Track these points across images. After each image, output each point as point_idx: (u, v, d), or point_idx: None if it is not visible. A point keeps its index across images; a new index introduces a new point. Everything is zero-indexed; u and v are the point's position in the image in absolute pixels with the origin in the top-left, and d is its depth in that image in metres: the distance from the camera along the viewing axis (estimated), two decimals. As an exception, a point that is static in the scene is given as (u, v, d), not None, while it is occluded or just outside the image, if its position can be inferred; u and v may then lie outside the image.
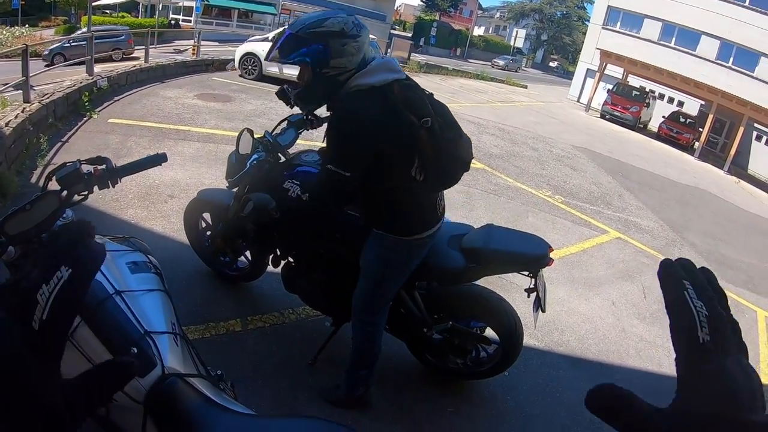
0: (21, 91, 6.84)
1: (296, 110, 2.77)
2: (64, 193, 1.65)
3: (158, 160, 1.94)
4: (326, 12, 2.08)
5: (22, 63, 6.89)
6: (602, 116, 25.32)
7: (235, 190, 2.95)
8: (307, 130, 3.16)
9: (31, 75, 6.86)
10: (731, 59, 27.23)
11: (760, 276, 8.08)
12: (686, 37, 28.42)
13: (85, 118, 7.31)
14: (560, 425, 3.17)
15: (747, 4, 26.68)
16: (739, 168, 25.18)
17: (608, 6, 31.30)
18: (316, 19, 2.01)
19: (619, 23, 31.07)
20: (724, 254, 8.52)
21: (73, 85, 8.01)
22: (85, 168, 1.77)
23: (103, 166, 1.82)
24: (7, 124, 5.50)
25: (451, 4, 61.24)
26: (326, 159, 2.10)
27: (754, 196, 18.71)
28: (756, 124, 24.59)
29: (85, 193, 1.75)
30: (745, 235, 11.05)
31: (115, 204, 4.52)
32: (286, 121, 3.08)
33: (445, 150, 2.10)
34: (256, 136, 2.87)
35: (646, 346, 4.55)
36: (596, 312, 4.84)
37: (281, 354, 3.11)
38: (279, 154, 2.89)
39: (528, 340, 3.70)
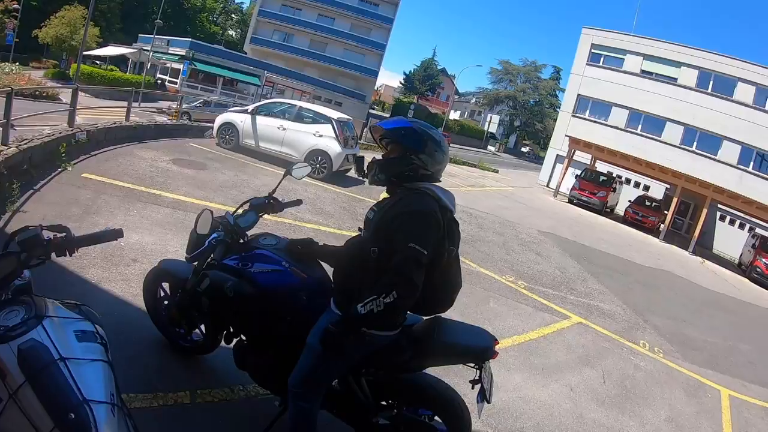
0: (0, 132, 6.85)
1: (265, 189, 2.88)
2: (23, 255, 1.73)
3: (114, 235, 2.05)
4: (436, 129, 2.53)
5: (5, 105, 6.95)
6: (570, 201, 26.08)
7: (195, 264, 2.99)
8: (268, 214, 3.26)
9: (12, 118, 6.88)
10: (695, 143, 28.86)
11: (723, 355, 8.25)
12: (652, 124, 30.12)
13: (59, 169, 7.34)
14: None
15: (709, 90, 28.47)
16: (705, 248, 26.01)
17: (578, 95, 33.17)
18: (428, 126, 2.48)
19: (588, 111, 32.84)
20: (688, 335, 8.68)
21: (52, 135, 8.09)
22: (46, 234, 1.86)
23: (63, 235, 1.90)
24: (-18, 165, 5.47)
25: (429, 88, 64.02)
26: (406, 238, 2.24)
27: (719, 275, 19.23)
28: (719, 205, 25.65)
29: (43, 258, 1.82)
30: (709, 315, 11.31)
31: (78, 261, 4.45)
32: (248, 204, 3.16)
33: (450, 278, 2.51)
34: (216, 216, 2.93)
35: (603, 430, 4.56)
36: (553, 398, 4.84)
37: (228, 430, 3.05)
38: (238, 236, 2.95)
39: (481, 427, 3.72)
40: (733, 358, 8.35)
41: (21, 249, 1.74)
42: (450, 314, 2.70)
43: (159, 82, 39.58)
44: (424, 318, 2.72)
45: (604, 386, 5.50)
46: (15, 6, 40.47)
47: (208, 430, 3.02)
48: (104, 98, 23.74)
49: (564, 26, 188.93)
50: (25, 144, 7.00)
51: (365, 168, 2.64)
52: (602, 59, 32.50)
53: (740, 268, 23.56)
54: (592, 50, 32.71)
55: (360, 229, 2.59)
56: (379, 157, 2.56)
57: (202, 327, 3.45)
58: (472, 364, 2.64)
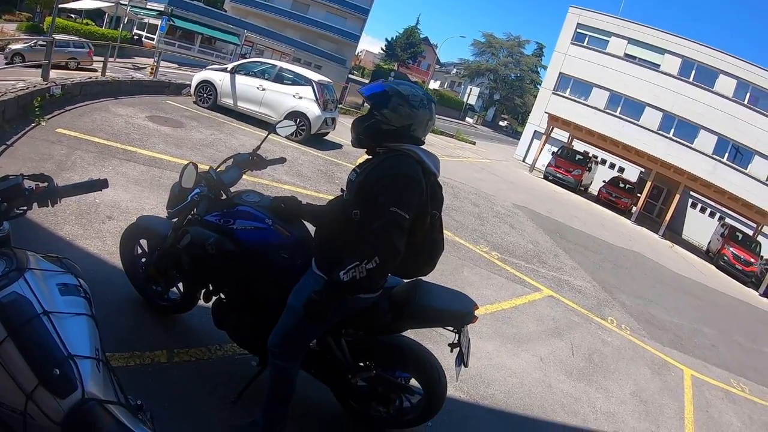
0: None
1: (242, 149, 2.83)
2: (4, 205, 1.68)
3: (99, 185, 1.97)
4: (416, 87, 2.45)
5: None
6: (545, 177, 26.26)
7: (174, 220, 2.95)
8: (251, 170, 3.22)
9: None
10: (672, 130, 29.28)
11: (687, 336, 8.51)
12: (631, 108, 30.42)
13: (33, 124, 7.12)
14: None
15: (691, 80, 28.81)
16: (675, 233, 26.60)
17: (560, 73, 33.21)
18: (402, 83, 2.44)
19: (568, 90, 32.95)
20: (654, 315, 8.94)
21: (26, 88, 7.79)
22: (27, 184, 1.79)
23: (45, 185, 1.83)
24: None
25: (410, 56, 63.21)
26: (387, 202, 2.20)
27: (687, 260, 19.73)
28: (692, 192, 26.14)
29: (24, 208, 1.77)
30: (676, 297, 11.62)
31: (52, 218, 4.38)
32: (231, 159, 3.11)
33: (431, 241, 2.49)
34: (200, 170, 2.88)
35: (571, 401, 4.70)
36: (523, 367, 4.96)
37: (204, 389, 3.05)
38: (221, 191, 2.91)
39: (453, 392, 3.79)
40: (696, 340, 8.64)
41: (1, 198, 1.68)
42: (427, 279, 2.72)
43: (136, 37, 38.39)
44: (405, 281, 2.74)
45: (572, 358, 5.66)
46: None
47: (185, 389, 3.01)
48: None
49: (551, 3, 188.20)
50: (-2, 98, 6.75)
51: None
52: (587, 39, 32.48)
53: (708, 255, 24.17)
54: (578, 30, 32.67)
55: (342, 191, 2.56)
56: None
57: (180, 285, 3.42)
58: (451, 328, 2.68)
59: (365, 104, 2.51)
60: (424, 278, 2.70)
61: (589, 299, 8.13)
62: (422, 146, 2.46)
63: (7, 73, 9.69)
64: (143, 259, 3.49)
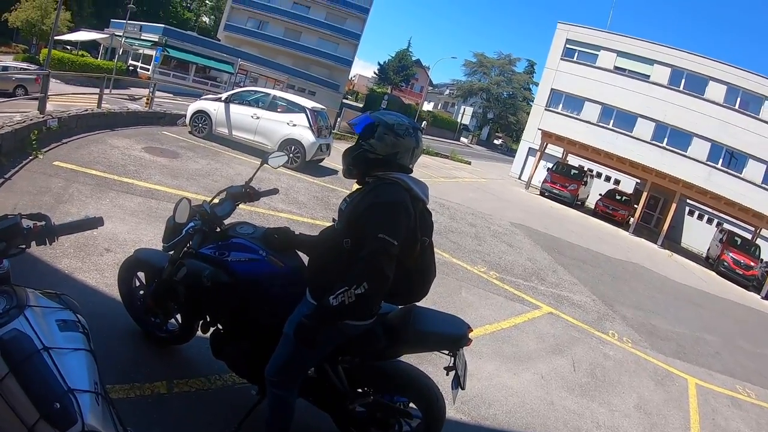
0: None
1: (238, 178, 2.88)
2: (3, 244, 1.72)
3: (95, 224, 2.03)
4: (401, 115, 2.52)
5: None
6: (542, 193, 26.38)
7: (171, 253, 2.98)
8: (245, 203, 3.27)
9: None
10: (665, 140, 29.49)
11: (690, 345, 8.50)
12: (623, 120, 30.70)
13: (30, 157, 7.17)
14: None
15: (681, 88, 29.11)
16: (673, 241, 26.65)
17: (551, 89, 33.61)
18: (387, 113, 2.50)
19: (561, 105, 33.32)
20: (655, 325, 8.92)
21: (23, 122, 7.86)
22: (25, 223, 1.83)
23: (43, 223, 1.88)
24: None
25: (403, 79, 63.72)
26: (375, 229, 2.24)
27: (687, 268, 19.72)
28: (688, 200, 26.25)
29: (23, 246, 1.81)
30: (677, 306, 11.61)
31: (51, 251, 4.38)
32: (224, 192, 3.16)
33: (423, 267, 2.53)
34: (194, 204, 2.93)
35: (574, 417, 4.69)
36: (525, 386, 4.95)
37: (205, 420, 3.07)
38: (215, 224, 2.97)
39: (455, 414, 3.79)
40: (699, 348, 8.63)
41: (0, 238, 1.73)
42: (423, 304, 2.75)
43: (131, 68, 38.70)
44: (399, 307, 2.77)
45: (574, 374, 5.64)
46: None
47: (186, 420, 3.02)
48: (75, 85, 23.14)
49: (539, 21, 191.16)
50: (-6, 132, 6.81)
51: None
52: (576, 54, 32.92)
53: (708, 261, 24.24)
54: (567, 45, 33.14)
55: (334, 220, 2.61)
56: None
57: (178, 317, 3.44)
58: (446, 352, 2.70)
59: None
60: (418, 303, 2.72)
61: (589, 314, 8.13)
62: (411, 174, 2.51)
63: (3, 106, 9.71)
64: (141, 292, 3.52)
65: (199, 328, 3.17)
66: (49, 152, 7.74)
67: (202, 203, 3.03)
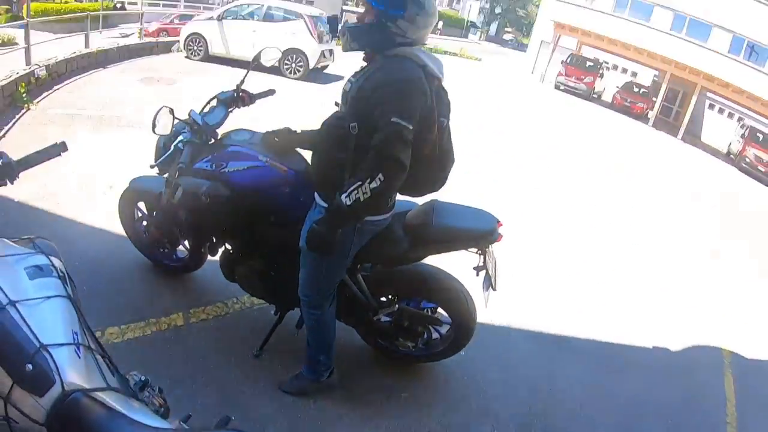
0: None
1: (226, 87, 2.78)
2: None
3: (57, 150, 1.83)
4: None
5: None
6: (557, 87, 25.42)
7: (166, 175, 2.74)
8: (238, 107, 2.97)
9: None
10: (684, 30, 27.76)
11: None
12: (639, 9, 28.77)
13: (23, 111, 6.95)
14: (521, 402, 3.12)
15: (699, -25, 27.20)
16: (693, 136, 25.85)
17: (561, -23, 31.33)
18: None
19: (572, -6, 31.16)
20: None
21: (10, 76, 7.56)
22: None
23: None
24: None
25: (404, -22, 61.01)
26: (387, 112, 1.96)
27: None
28: (708, 93, 25.19)
29: None
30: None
31: (52, 199, 4.26)
32: (215, 99, 2.88)
33: (442, 150, 2.26)
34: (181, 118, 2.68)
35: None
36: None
37: (225, 347, 2.96)
38: (208, 135, 2.71)
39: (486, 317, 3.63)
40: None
41: None
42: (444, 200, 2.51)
43: (119, 5, 37.52)
44: (420, 204, 2.53)
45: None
46: None
47: (206, 350, 2.92)
48: (63, 33, 22.50)
49: None
50: (-18, 92, 6.58)
51: (338, 32, 2.34)
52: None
53: (729, 157, 23.51)
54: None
55: (337, 104, 2.29)
56: (353, 20, 2.21)
57: (186, 243, 3.28)
58: (474, 250, 2.47)
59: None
60: (439, 198, 2.49)
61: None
62: (423, 47, 2.18)
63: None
64: (144, 223, 3.35)
65: (207, 251, 3.00)
66: (41, 101, 7.50)
67: (190, 112, 2.74)
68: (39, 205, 4.13)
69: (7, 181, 1.70)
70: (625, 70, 30.97)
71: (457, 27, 60.67)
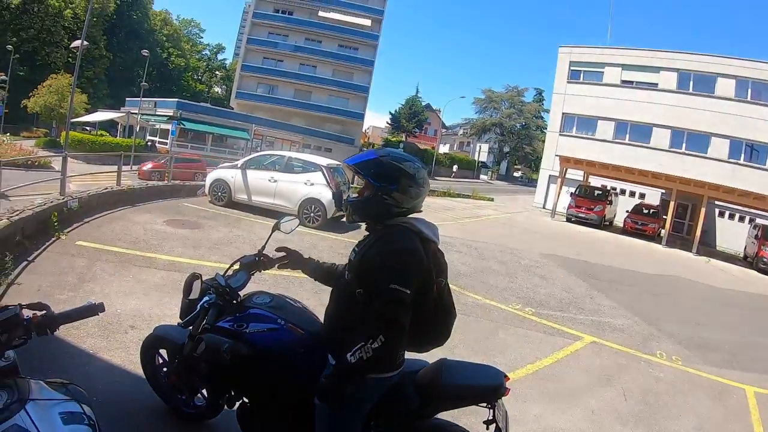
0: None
1: (261, 244, 3.00)
2: (4, 337, 1.68)
3: (96, 310, 2.00)
4: (410, 156, 2.45)
5: None
6: (568, 219, 25.93)
7: (190, 328, 2.90)
8: (259, 272, 3.19)
9: (4, 190, 6.91)
10: (684, 145, 29.01)
11: (743, 351, 8.09)
12: (639, 132, 30.41)
13: (53, 239, 7.33)
14: None
15: (690, 90, 28.89)
16: (708, 246, 25.90)
17: (563, 113, 33.49)
18: (399, 156, 2.40)
19: (574, 128, 33.08)
20: (704, 337, 8.51)
21: (44, 204, 8.07)
22: (26, 313, 1.81)
23: (43, 313, 1.85)
24: (-28, 240, 5.42)
25: (416, 125, 64.85)
26: (386, 279, 2.17)
27: (725, 272, 19.11)
28: (717, 202, 25.62)
29: (24, 338, 1.77)
30: (723, 313, 11.18)
31: (75, 331, 4.38)
32: (237, 263, 3.11)
33: (443, 308, 2.44)
34: (207, 278, 2.91)
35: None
36: (575, 424, 4.67)
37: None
38: (231, 297, 2.90)
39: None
40: (752, 353, 8.17)
41: (0, 331, 1.69)
42: (459, 350, 2.61)
43: (149, 144, 39.97)
44: (429, 363, 2.62)
45: (626, 404, 5.33)
46: (2, 77, 41.33)
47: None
48: (96, 164, 23.87)
49: (541, 48, 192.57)
50: (17, 215, 6.99)
51: (343, 205, 2.64)
52: (582, 75, 32.97)
53: (746, 260, 23.46)
54: (571, 67, 33.22)
55: (350, 261, 2.53)
56: (354, 195, 2.54)
57: (204, 391, 3.34)
58: (484, 404, 2.53)
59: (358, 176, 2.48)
60: (448, 355, 2.59)
61: (633, 337, 7.76)
62: (419, 215, 2.46)
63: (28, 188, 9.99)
64: (164, 369, 3.44)
65: (225, 403, 3.06)
66: (71, 232, 7.91)
67: (215, 276, 2.97)
68: (62, 337, 4.22)
69: (48, 331, 1.84)
70: (633, 194, 31.82)
71: (468, 169, 63.55)
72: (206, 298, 2.80)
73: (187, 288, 2.86)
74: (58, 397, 1.69)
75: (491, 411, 2.48)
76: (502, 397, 2.51)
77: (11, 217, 6.82)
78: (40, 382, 1.72)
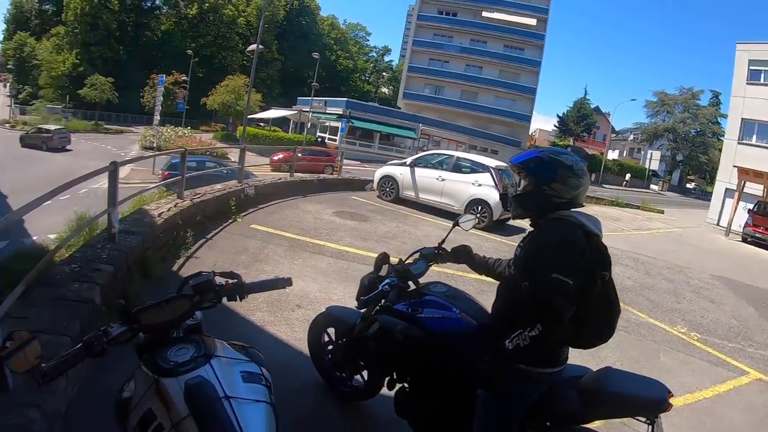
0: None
1: (426, 239, 3.00)
2: (196, 298, 1.88)
3: (284, 283, 2.18)
4: (567, 150, 2.57)
5: (180, 165, 8.02)
6: (744, 239, 22.74)
7: (363, 310, 3.09)
8: (437, 263, 3.32)
9: (187, 175, 7.84)
10: None
11: None
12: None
13: (230, 221, 8.06)
14: None
15: None
16: None
17: (742, 119, 29.13)
18: (558, 151, 2.49)
19: (755, 136, 28.61)
20: None
21: (224, 190, 8.97)
22: (218, 280, 2.01)
23: (234, 281, 2.05)
24: (159, 215, 6.26)
25: (584, 129, 61.56)
26: (549, 269, 2.20)
27: None
28: None
29: (215, 301, 1.98)
30: None
31: (245, 305, 4.68)
32: (418, 253, 3.25)
33: (607, 302, 2.39)
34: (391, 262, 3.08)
35: None
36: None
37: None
38: (410, 282, 3.05)
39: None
40: None
41: (194, 292, 1.90)
42: (619, 368, 2.50)
43: (319, 139, 42.62)
44: (594, 370, 2.55)
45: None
46: (184, 78, 47.54)
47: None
48: (269, 156, 26.15)
49: (717, 45, 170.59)
50: (199, 198, 7.84)
51: (509, 202, 2.67)
52: (762, 75, 28.33)
53: None
54: (751, 67, 28.72)
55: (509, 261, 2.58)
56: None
57: (364, 373, 3.52)
58: (643, 419, 2.41)
59: (520, 175, 2.54)
60: (612, 365, 2.49)
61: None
62: (581, 209, 2.46)
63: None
64: (330, 347, 3.66)
65: (386, 385, 3.19)
66: (246, 216, 8.67)
67: (398, 261, 3.13)
68: (237, 310, 4.67)
69: (237, 298, 2.05)
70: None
71: (638, 177, 59.13)
72: (388, 280, 2.96)
73: (378, 265, 3.06)
74: (240, 357, 1.86)
75: (649, 427, 2.37)
76: (663, 413, 2.38)
77: (194, 198, 7.69)
78: (223, 342, 1.91)
